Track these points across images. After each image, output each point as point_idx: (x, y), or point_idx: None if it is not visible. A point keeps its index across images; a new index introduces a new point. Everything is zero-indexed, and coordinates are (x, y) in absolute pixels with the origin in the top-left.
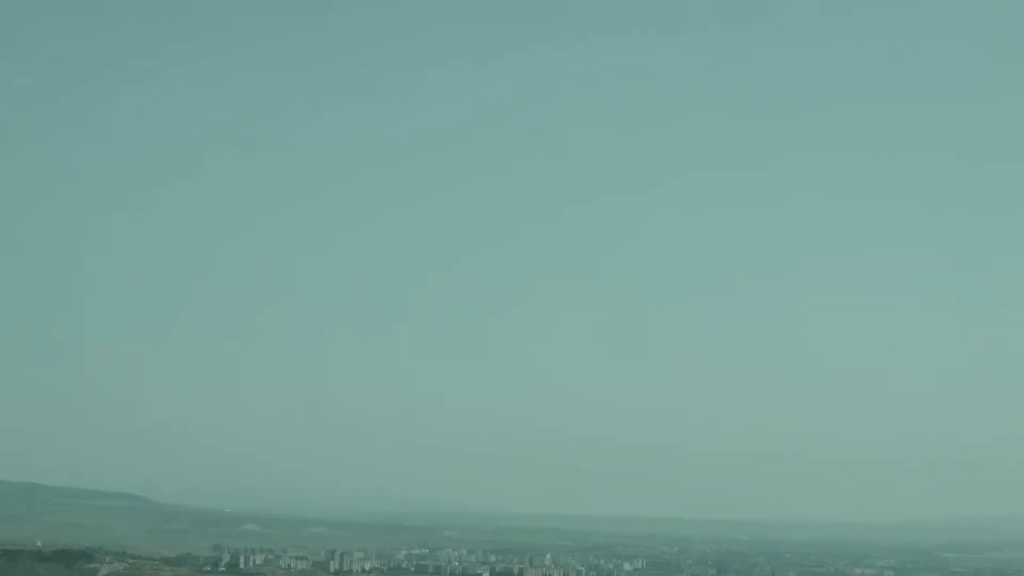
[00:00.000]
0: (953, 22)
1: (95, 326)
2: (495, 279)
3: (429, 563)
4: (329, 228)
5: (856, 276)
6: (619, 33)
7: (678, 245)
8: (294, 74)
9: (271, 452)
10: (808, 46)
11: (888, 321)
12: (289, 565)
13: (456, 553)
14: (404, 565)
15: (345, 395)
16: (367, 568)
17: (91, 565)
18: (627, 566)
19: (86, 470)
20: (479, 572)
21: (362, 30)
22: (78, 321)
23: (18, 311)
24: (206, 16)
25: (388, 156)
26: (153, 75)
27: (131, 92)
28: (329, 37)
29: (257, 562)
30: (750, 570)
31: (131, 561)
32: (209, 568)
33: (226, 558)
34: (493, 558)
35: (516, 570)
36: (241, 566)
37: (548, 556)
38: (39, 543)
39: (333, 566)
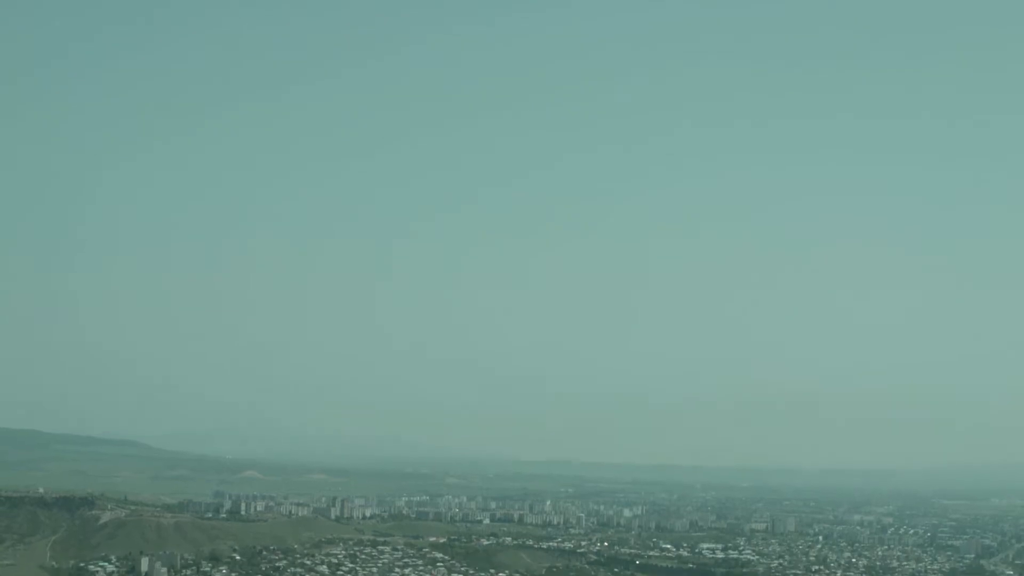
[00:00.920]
0: None
1: (97, 278)
2: (493, 230)
3: (430, 509)
4: (316, 182)
5: (861, 228)
6: None
7: (662, 197)
8: (294, 37)
9: (271, 401)
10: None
11: (891, 275)
12: (290, 511)
13: (457, 499)
14: (405, 511)
15: (347, 347)
16: (368, 514)
17: (93, 511)
18: (627, 512)
19: (88, 418)
20: (480, 518)
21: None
22: (81, 273)
23: (20, 263)
24: None
25: (377, 112)
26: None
27: (146, 40)
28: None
29: (258, 508)
30: (749, 516)
31: (133, 507)
32: (210, 514)
33: (227, 504)
34: (493, 504)
35: (516, 516)
36: (242, 512)
37: (548, 502)
38: (41, 490)
39: (334, 512)
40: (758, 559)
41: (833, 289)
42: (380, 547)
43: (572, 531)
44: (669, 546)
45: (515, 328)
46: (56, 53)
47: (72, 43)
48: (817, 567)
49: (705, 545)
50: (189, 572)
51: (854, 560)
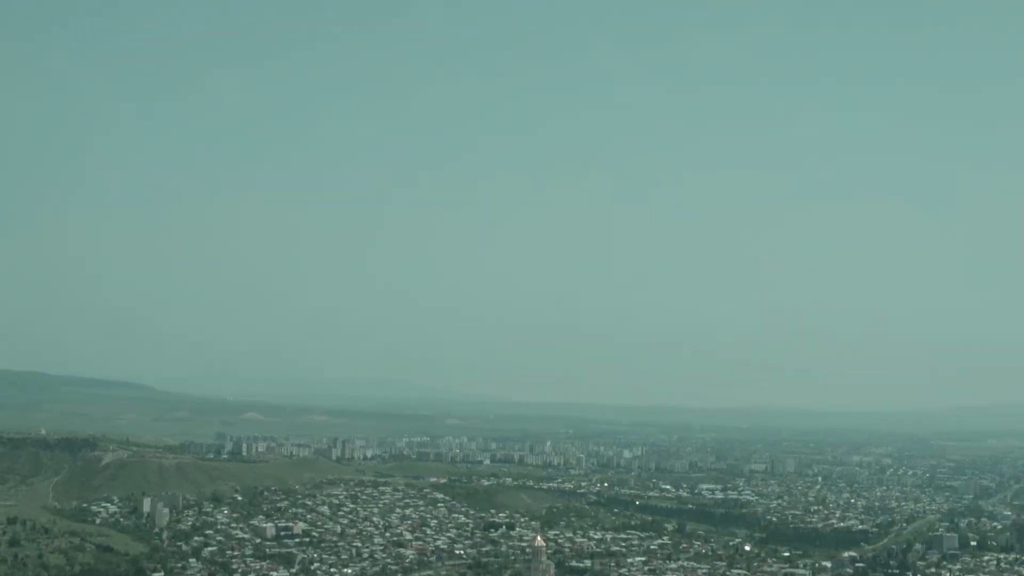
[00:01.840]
0: None
1: (99, 221)
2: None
3: (431, 451)
4: (316, 128)
5: (859, 180)
6: None
7: (651, 142)
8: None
9: (273, 344)
10: None
11: (891, 215)
12: (291, 452)
13: (457, 440)
14: (406, 452)
15: (348, 292)
16: (369, 455)
17: (95, 452)
18: (627, 453)
19: (90, 360)
20: (480, 459)
21: None
22: (83, 215)
23: (23, 207)
24: None
25: (382, 62)
26: None
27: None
28: None
29: (259, 449)
30: (748, 457)
31: (135, 449)
32: (212, 456)
33: (229, 446)
34: (494, 445)
35: (517, 457)
36: (244, 453)
37: (548, 443)
38: (44, 431)
39: (335, 453)
40: (757, 499)
41: (834, 233)
42: (381, 488)
43: (572, 472)
44: (669, 487)
45: (516, 273)
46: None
47: None
48: (816, 507)
49: (705, 486)
50: (191, 513)
51: (853, 500)
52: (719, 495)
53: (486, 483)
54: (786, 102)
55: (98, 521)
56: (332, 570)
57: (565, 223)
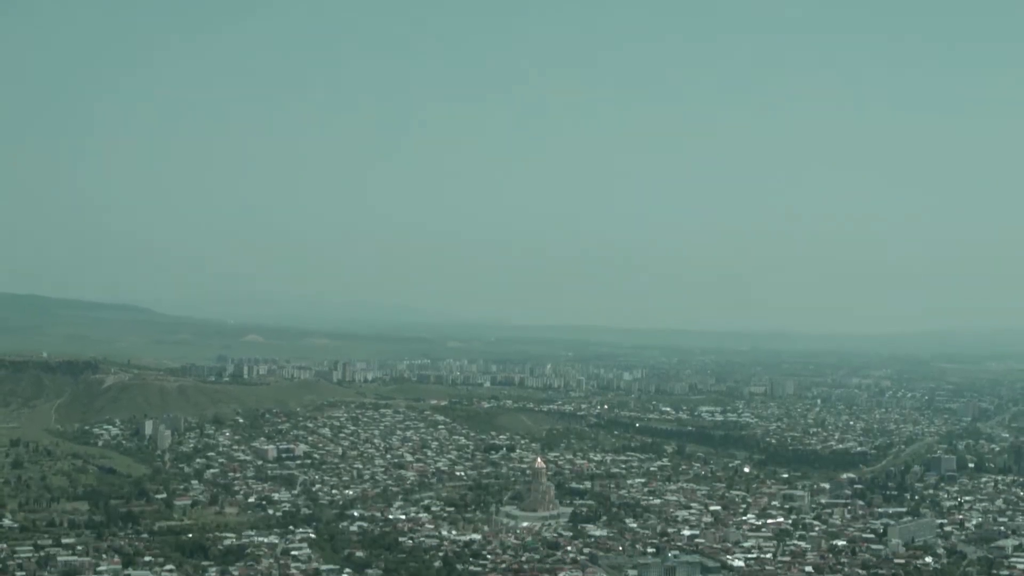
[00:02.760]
0: None
1: (100, 142)
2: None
3: (431, 373)
4: (323, 59)
5: (854, 90)
6: None
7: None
8: None
9: (273, 266)
10: None
11: (887, 136)
12: (292, 375)
13: (458, 363)
14: (406, 375)
15: (349, 215)
16: (370, 378)
17: (97, 375)
18: (627, 375)
19: (91, 283)
20: (480, 381)
21: None
22: (83, 137)
23: (23, 127)
24: None
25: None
26: None
27: None
28: None
29: (260, 372)
30: (748, 379)
31: (136, 371)
32: (213, 378)
33: (230, 368)
34: (494, 368)
35: (517, 379)
36: (245, 376)
37: (549, 366)
38: (45, 354)
39: (336, 376)
40: (756, 422)
41: (831, 157)
42: (382, 410)
43: (572, 394)
44: (668, 409)
45: (517, 196)
46: None
47: None
48: (815, 429)
49: (704, 408)
50: (192, 435)
51: (852, 423)
52: (719, 417)
53: (486, 405)
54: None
55: (100, 443)
56: (333, 491)
57: (565, 146)
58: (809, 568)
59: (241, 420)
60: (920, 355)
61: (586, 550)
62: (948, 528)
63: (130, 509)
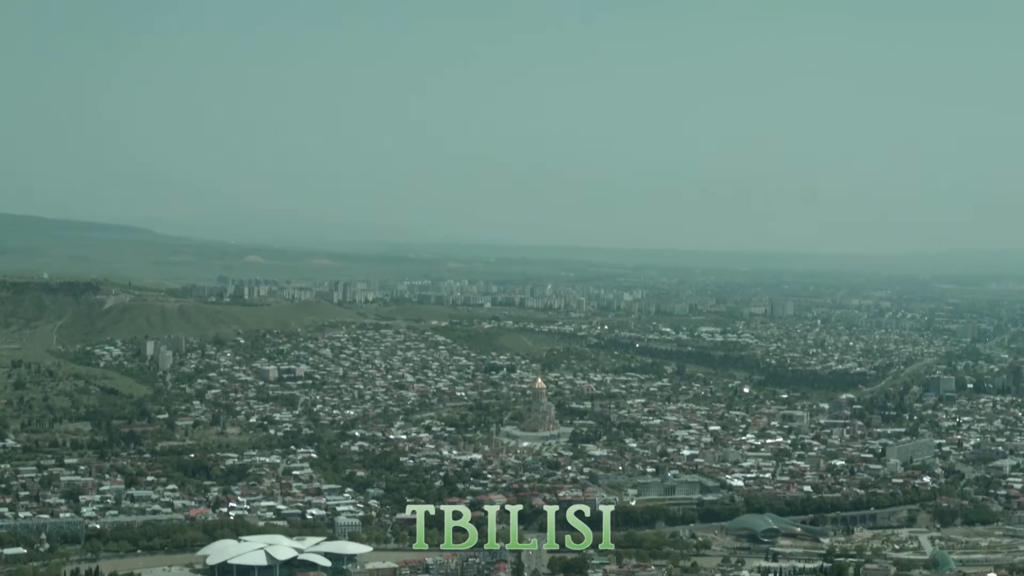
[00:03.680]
0: None
1: (103, 62)
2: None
3: (432, 294)
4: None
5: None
6: None
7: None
8: None
9: (273, 187)
10: None
11: (889, 54)
12: (293, 296)
13: (458, 284)
14: (407, 296)
15: (349, 134)
16: (370, 298)
17: (98, 296)
18: (627, 296)
19: (91, 204)
20: (481, 302)
21: None
22: (84, 61)
23: (26, 51)
24: None
25: None
26: None
27: None
28: None
29: (261, 293)
30: (748, 300)
31: (137, 292)
32: (214, 299)
33: (231, 289)
34: (495, 288)
35: (517, 300)
36: (245, 297)
37: (549, 287)
38: (46, 275)
39: (336, 297)
40: (756, 342)
41: (832, 78)
42: (382, 330)
43: (572, 315)
44: (668, 329)
45: (516, 116)
46: None
47: None
48: (814, 350)
49: (704, 328)
50: (194, 355)
51: (851, 343)
52: (718, 338)
53: (487, 326)
54: None
55: (102, 364)
56: (335, 412)
57: (564, 66)
58: (808, 487)
59: (242, 341)
60: (920, 276)
61: (586, 470)
62: (946, 448)
63: (132, 429)
